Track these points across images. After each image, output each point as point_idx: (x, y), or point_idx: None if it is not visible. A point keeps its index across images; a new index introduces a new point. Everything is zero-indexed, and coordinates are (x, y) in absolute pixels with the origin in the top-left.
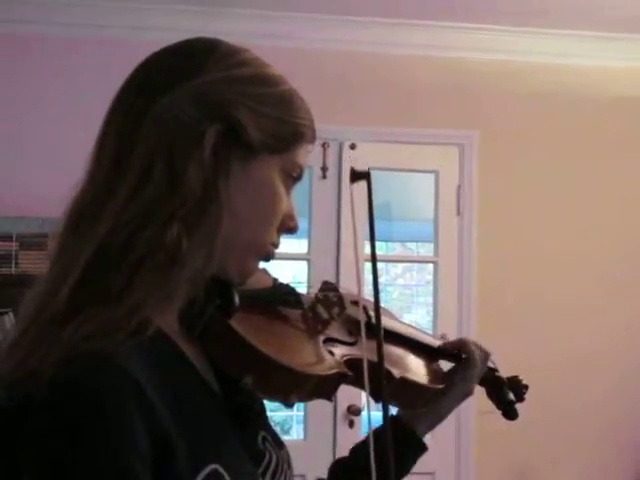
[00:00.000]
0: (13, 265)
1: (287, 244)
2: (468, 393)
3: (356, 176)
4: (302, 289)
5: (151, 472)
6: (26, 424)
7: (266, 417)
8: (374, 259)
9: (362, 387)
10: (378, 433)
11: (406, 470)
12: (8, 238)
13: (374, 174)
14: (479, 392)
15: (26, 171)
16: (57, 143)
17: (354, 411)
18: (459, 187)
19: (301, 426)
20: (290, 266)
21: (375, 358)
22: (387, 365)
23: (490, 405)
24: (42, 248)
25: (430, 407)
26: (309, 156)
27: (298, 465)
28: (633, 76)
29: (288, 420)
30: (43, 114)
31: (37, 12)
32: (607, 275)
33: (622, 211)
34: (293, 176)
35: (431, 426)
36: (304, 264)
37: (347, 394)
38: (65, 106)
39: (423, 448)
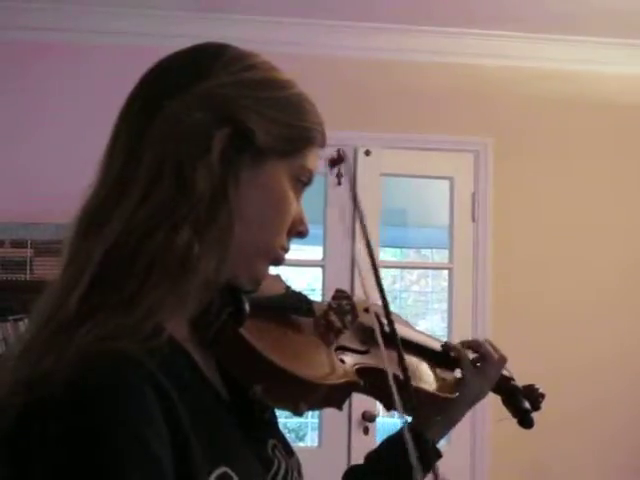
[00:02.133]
0: (28, 271)
1: (302, 251)
2: (480, 396)
3: (334, 162)
4: (316, 296)
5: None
6: (45, 426)
7: (276, 425)
8: (370, 248)
9: (373, 395)
10: (395, 442)
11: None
12: (23, 244)
13: (389, 180)
14: (494, 399)
15: (40, 177)
16: (72, 149)
17: (369, 418)
18: (474, 194)
19: (315, 433)
20: (305, 273)
21: (392, 368)
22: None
23: (506, 413)
24: (57, 255)
25: (444, 415)
26: (321, 162)
27: (312, 472)
28: None
29: (303, 427)
30: (58, 120)
31: (47, 19)
32: (623, 280)
33: (639, 217)
34: (303, 180)
35: (443, 432)
36: (319, 271)
37: (362, 401)
38: (80, 112)
39: (437, 455)
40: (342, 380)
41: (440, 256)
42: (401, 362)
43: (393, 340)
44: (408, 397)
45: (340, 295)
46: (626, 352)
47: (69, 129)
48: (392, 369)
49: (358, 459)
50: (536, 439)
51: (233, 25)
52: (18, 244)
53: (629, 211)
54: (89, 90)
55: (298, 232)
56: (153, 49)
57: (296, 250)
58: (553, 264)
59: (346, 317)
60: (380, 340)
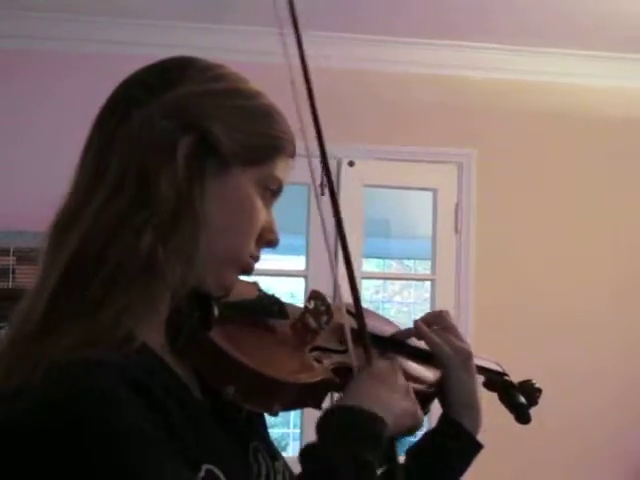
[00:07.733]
0: (10, 279)
1: (285, 261)
2: (470, 387)
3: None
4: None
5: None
6: (25, 443)
7: (261, 428)
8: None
9: None
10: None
11: (459, 470)
12: (5, 252)
13: (372, 191)
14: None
15: (23, 185)
16: (54, 157)
17: None
18: (457, 205)
19: (297, 443)
20: (287, 283)
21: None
22: None
23: (495, 418)
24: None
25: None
26: (304, 172)
27: None
28: (632, 96)
29: (285, 437)
30: (39, 127)
31: (23, 27)
32: (607, 290)
33: (621, 227)
34: (272, 189)
35: (472, 420)
36: (301, 281)
37: None
38: (62, 120)
39: (477, 445)
40: (316, 378)
41: (423, 267)
42: (368, 356)
43: (362, 336)
44: None
45: (316, 296)
46: (613, 361)
47: (52, 136)
48: (363, 364)
49: None
50: (522, 448)
51: (215, 34)
52: (0, 252)
53: (612, 221)
54: (73, 98)
55: (268, 241)
56: (137, 59)
57: (279, 260)
58: (536, 275)
59: (322, 318)
60: (348, 335)
